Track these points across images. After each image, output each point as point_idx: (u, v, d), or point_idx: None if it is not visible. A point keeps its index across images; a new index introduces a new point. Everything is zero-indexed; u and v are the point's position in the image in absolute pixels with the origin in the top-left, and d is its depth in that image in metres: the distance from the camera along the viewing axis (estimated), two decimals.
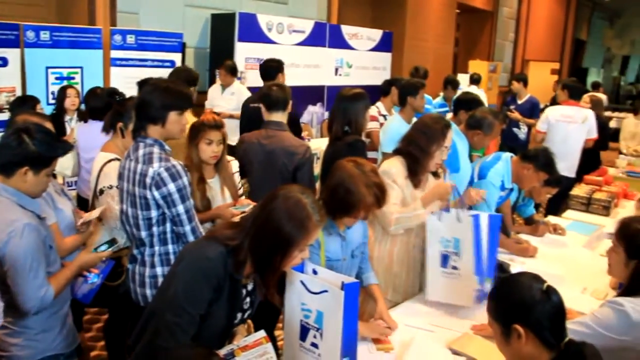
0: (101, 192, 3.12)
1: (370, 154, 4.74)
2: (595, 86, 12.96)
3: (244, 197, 3.23)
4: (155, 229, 2.58)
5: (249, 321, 2.12)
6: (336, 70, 8.71)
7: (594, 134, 6.19)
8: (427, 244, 2.83)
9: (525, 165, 3.60)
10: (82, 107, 4.93)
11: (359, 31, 9.12)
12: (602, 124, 6.90)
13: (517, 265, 3.26)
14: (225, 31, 7.23)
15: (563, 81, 7.12)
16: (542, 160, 3.58)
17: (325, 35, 8.44)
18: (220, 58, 6.78)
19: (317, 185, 4.09)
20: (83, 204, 3.91)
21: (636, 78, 22.94)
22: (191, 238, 2.55)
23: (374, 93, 5.40)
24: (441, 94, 6.71)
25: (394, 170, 2.96)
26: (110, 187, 3.05)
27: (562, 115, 6.21)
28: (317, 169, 4.59)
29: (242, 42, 7.21)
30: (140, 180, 2.51)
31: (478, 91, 8.71)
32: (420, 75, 6.26)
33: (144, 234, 2.59)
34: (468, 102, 4.35)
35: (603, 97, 8.95)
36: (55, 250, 2.40)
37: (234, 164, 3.22)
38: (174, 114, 2.55)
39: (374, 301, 2.66)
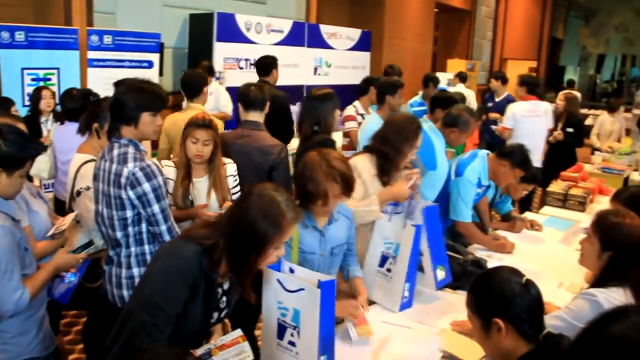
0: (78, 193, 3.10)
1: (350, 154, 4.76)
2: (570, 84, 13.15)
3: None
4: (130, 229, 2.57)
5: (226, 320, 2.12)
6: (315, 69, 8.73)
7: (551, 125, 6.60)
8: (372, 240, 2.86)
9: (501, 162, 3.64)
10: (59, 108, 4.88)
11: (337, 30, 9.14)
12: (578, 121, 7.02)
13: (494, 261, 3.29)
14: (203, 31, 7.20)
15: (520, 77, 7.30)
16: (518, 157, 3.62)
17: (304, 35, 8.44)
18: (198, 58, 6.74)
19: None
20: (60, 206, 3.88)
21: (611, 76, 23.28)
22: (167, 238, 2.54)
23: (353, 92, 5.43)
24: (420, 92, 6.73)
25: (359, 165, 2.98)
26: (88, 189, 3.03)
27: (526, 111, 6.47)
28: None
29: (221, 42, 7.18)
30: (115, 181, 2.50)
31: (466, 90, 8.80)
32: (395, 73, 6.28)
33: (119, 234, 2.59)
34: (444, 101, 4.38)
35: (578, 94, 9.07)
36: (31, 253, 2.38)
37: (230, 167, 3.19)
38: (146, 115, 2.54)
39: (357, 294, 2.66)
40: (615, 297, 2.20)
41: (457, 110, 3.72)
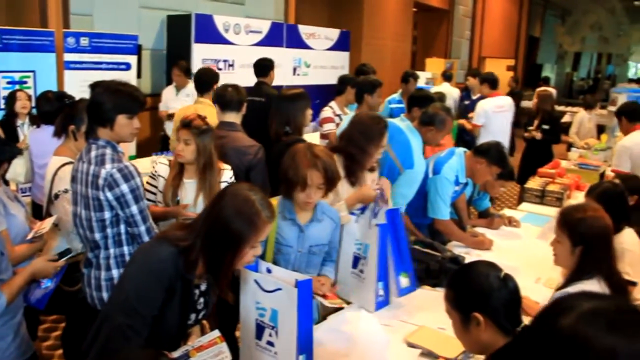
0: (56, 196, 3.08)
1: None
2: (545, 81, 13.31)
3: None
4: (109, 230, 2.57)
5: (204, 322, 2.12)
6: (294, 70, 8.72)
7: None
8: (343, 242, 2.85)
9: (478, 160, 3.67)
10: (35, 111, 4.83)
11: (316, 31, 9.14)
12: (553, 118, 7.12)
13: (473, 258, 3.31)
14: (181, 32, 7.17)
15: (481, 75, 7.46)
16: (495, 154, 3.66)
17: (282, 35, 8.44)
18: (177, 60, 6.70)
19: None
20: (37, 210, 3.85)
21: (588, 74, 23.60)
22: (146, 238, 2.54)
23: (332, 92, 5.43)
24: (399, 90, 6.75)
25: None
26: (66, 191, 3.01)
27: (495, 107, 6.71)
28: None
29: (199, 43, 7.15)
30: (92, 182, 2.50)
31: (451, 88, 8.87)
32: (369, 71, 6.29)
33: (97, 236, 2.58)
34: (422, 99, 4.41)
35: (553, 91, 9.20)
36: (7, 257, 2.35)
37: (227, 173, 3.13)
38: (122, 117, 2.53)
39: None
40: (587, 290, 2.25)
41: (434, 108, 3.74)
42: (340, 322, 2.60)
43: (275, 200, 2.50)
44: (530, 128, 7.02)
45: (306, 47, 8.94)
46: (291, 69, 8.66)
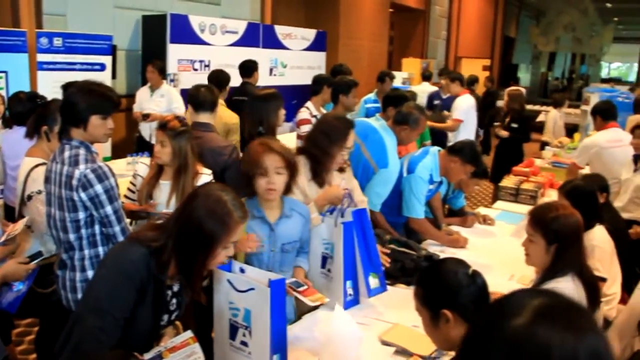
0: (29, 197, 3.05)
1: None
2: (516, 80, 13.50)
3: None
4: (83, 231, 2.55)
5: (178, 322, 2.11)
6: (271, 70, 8.71)
7: None
8: (311, 243, 2.83)
9: (452, 158, 3.70)
10: (7, 113, 4.76)
11: (292, 31, 9.15)
12: (522, 117, 7.25)
13: (448, 256, 3.34)
14: (156, 33, 7.12)
15: (449, 75, 7.55)
16: (468, 153, 3.69)
17: (258, 36, 8.43)
18: (152, 61, 6.66)
19: None
20: (9, 213, 3.79)
21: (562, 73, 23.94)
22: (121, 239, 2.53)
23: (309, 92, 5.43)
24: (375, 90, 6.77)
25: None
26: (39, 192, 2.99)
27: (471, 105, 6.96)
28: None
29: (174, 43, 7.12)
30: (66, 182, 2.48)
31: (431, 87, 8.94)
32: (344, 72, 6.30)
33: (72, 237, 2.56)
34: (396, 99, 4.43)
35: (522, 90, 9.34)
36: None
37: (204, 178, 3.09)
38: (96, 117, 2.52)
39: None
40: (563, 287, 2.28)
41: (407, 107, 3.77)
42: (315, 322, 2.60)
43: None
44: (496, 124, 7.17)
45: (283, 47, 8.94)
46: (268, 70, 8.64)
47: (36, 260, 2.56)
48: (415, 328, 2.53)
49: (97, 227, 2.57)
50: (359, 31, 11.59)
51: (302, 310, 2.70)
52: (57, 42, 6.14)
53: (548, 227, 2.38)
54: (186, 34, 7.27)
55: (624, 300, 3.23)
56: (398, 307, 2.79)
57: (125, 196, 3.11)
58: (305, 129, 5.23)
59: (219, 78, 5.28)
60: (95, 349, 1.75)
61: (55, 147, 2.75)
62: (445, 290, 1.76)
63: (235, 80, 5.96)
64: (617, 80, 19.49)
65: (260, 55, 8.35)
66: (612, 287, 3.17)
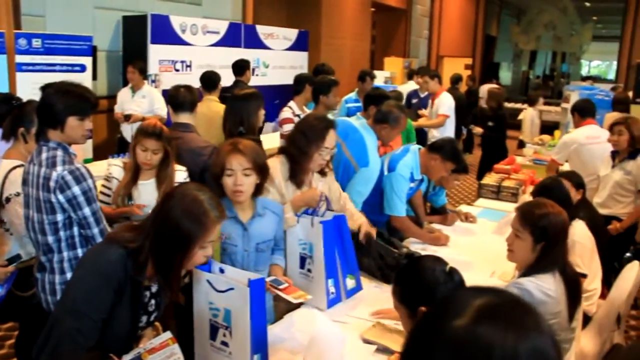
0: (7, 200, 3.02)
1: None
2: (497, 77, 13.61)
3: None
4: (62, 233, 2.54)
5: (157, 323, 2.11)
6: (253, 70, 8.66)
7: None
8: (287, 244, 2.83)
9: (432, 156, 3.71)
10: None
11: (274, 31, 9.13)
12: (498, 115, 7.33)
13: (429, 254, 3.35)
14: (137, 33, 7.06)
15: (429, 72, 7.60)
16: (448, 150, 3.70)
17: (240, 36, 8.40)
18: (133, 61, 6.62)
19: None
20: None
21: (543, 72, 24.15)
22: (100, 240, 2.51)
23: (291, 92, 5.43)
24: (356, 89, 6.78)
25: (271, 169, 2.81)
26: (18, 195, 2.96)
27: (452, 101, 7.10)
28: None
29: (155, 44, 7.06)
30: (44, 184, 2.47)
31: (415, 86, 8.96)
32: (326, 71, 6.31)
33: (50, 239, 2.55)
34: (377, 97, 4.44)
35: (498, 88, 9.45)
36: None
37: (180, 174, 3.12)
38: (73, 119, 2.51)
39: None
40: (544, 284, 2.31)
41: (387, 106, 3.78)
42: (296, 321, 2.60)
43: None
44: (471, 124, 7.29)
45: (264, 47, 8.92)
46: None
47: (15, 263, 2.55)
48: (396, 326, 2.55)
49: (75, 229, 2.56)
50: (341, 31, 11.61)
51: (281, 312, 2.70)
52: (36, 43, 6.06)
53: (536, 225, 2.39)
54: (167, 35, 7.23)
55: (603, 295, 3.27)
56: (379, 305, 2.79)
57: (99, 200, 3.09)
58: (288, 128, 5.22)
59: (210, 79, 5.33)
60: (72, 350, 1.74)
61: (32, 148, 2.74)
62: (422, 288, 1.77)
63: (226, 80, 5.95)
64: (595, 78, 19.69)
65: (242, 55, 8.30)
66: (593, 283, 3.21)
